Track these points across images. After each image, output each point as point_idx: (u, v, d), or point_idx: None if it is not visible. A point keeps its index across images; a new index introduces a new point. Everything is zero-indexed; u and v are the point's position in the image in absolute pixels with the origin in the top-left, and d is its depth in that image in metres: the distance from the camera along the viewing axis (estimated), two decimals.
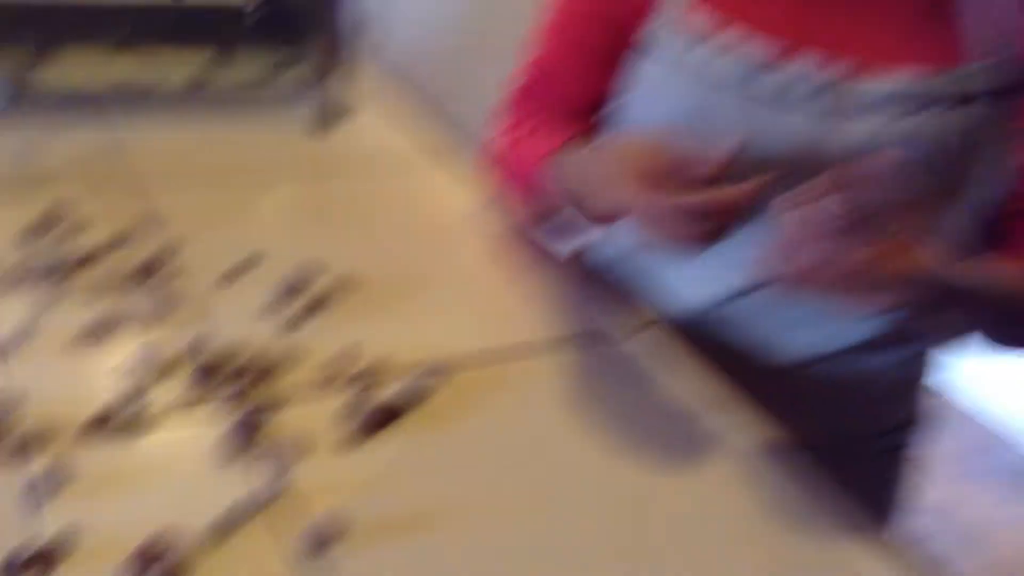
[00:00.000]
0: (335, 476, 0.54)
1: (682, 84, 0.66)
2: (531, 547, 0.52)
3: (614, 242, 0.81)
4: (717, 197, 0.56)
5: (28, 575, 0.45)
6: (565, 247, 0.83)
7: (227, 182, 0.86)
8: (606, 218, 0.66)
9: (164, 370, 0.59)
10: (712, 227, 0.57)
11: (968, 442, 1.82)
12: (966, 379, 1.80)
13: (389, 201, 0.88)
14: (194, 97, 1.00)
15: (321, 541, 0.49)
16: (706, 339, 0.72)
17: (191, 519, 0.49)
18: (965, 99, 0.62)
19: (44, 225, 0.72)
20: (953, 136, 0.63)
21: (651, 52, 0.68)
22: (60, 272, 0.67)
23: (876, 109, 0.62)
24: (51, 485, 0.50)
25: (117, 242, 0.72)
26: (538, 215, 0.76)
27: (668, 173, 0.57)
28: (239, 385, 0.59)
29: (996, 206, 0.67)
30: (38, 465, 0.51)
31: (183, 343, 0.62)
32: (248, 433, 0.55)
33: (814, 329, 0.70)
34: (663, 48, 0.67)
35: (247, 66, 1.01)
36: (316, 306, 0.68)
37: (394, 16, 1.24)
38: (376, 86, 1.10)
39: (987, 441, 1.84)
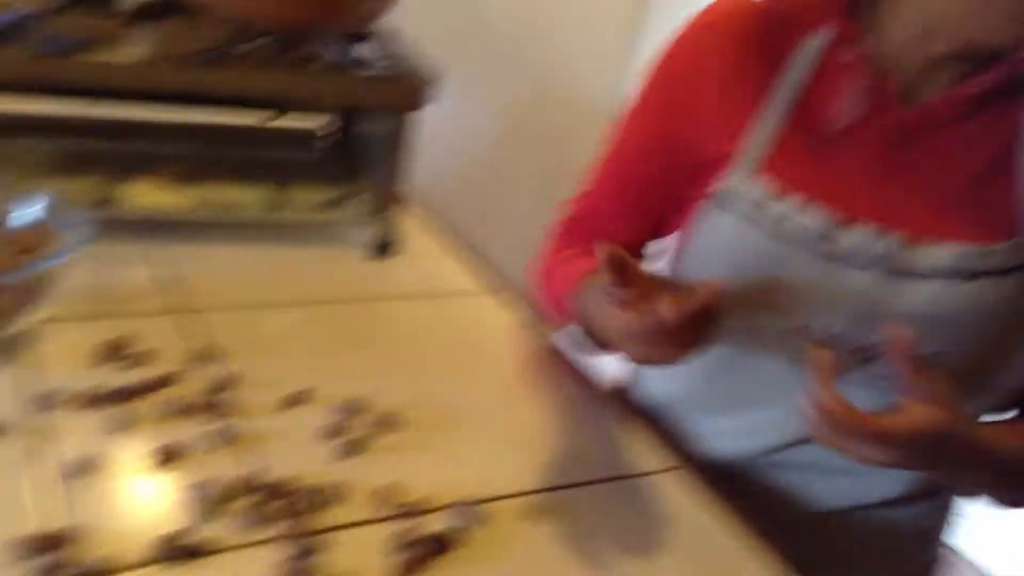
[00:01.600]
0: None
1: (757, 236, 0.69)
2: None
3: (652, 382, 0.84)
4: (680, 311, 0.59)
5: None
6: (604, 380, 0.86)
7: (286, 310, 0.90)
8: (607, 346, 0.70)
9: (222, 500, 0.62)
10: (683, 340, 0.61)
11: None
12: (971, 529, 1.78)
13: (438, 329, 0.91)
14: (258, 225, 1.05)
15: None
16: (739, 483, 0.74)
17: None
18: (1020, 267, 0.64)
19: (112, 351, 0.76)
20: (1007, 302, 0.65)
21: (724, 203, 0.71)
22: (124, 399, 0.71)
23: (934, 276, 0.65)
24: None
25: (179, 371, 0.75)
26: (573, 339, 0.80)
27: (641, 295, 0.62)
28: (292, 517, 0.62)
29: None
30: None
31: (239, 474, 0.65)
32: (302, 566, 0.57)
33: (851, 480, 0.72)
34: (737, 201, 0.70)
35: (310, 195, 1.07)
36: (363, 440, 0.71)
37: (432, 158, 1.30)
38: (425, 219, 1.16)
39: None
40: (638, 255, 0.83)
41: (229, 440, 0.68)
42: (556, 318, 0.82)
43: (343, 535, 0.62)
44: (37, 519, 0.58)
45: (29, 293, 0.73)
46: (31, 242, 0.76)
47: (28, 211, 0.81)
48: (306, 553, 0.59)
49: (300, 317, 0.90)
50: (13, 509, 0.58)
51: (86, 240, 0.76)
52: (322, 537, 0.61)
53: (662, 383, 0.82)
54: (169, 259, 0.96)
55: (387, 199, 1.04)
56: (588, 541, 0.66)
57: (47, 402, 0.69)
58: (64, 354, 0.76)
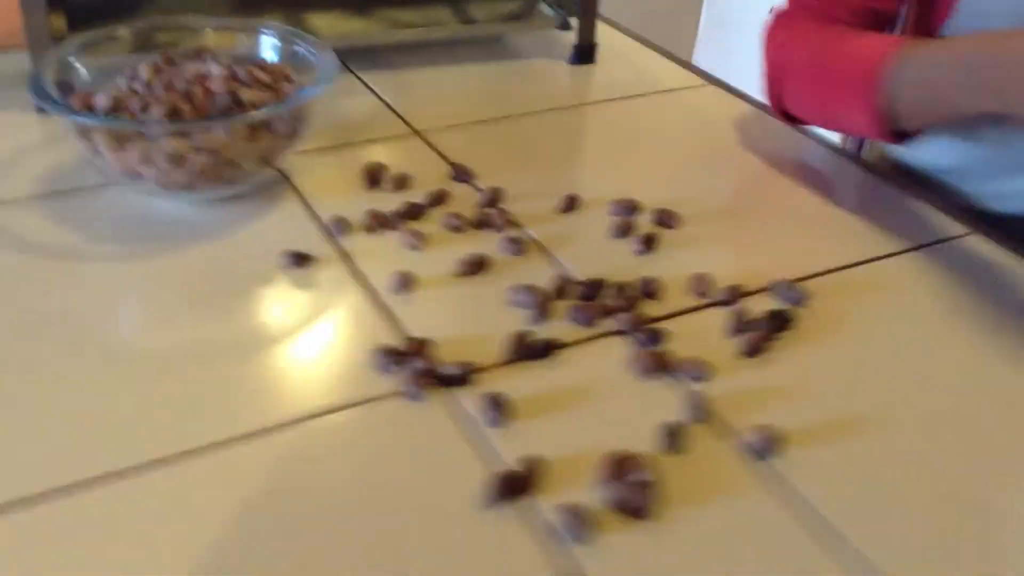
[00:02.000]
0: (747, 388, 0.56)
1: None
2: (952, 450, 0.53)
3: (930, 151, 0.80)
4: None
5: (515, 499, 0.47)
6: (882, 150, 0.83)
7: (515, 121, 0.88)
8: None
9: (548, 301, 0.62)
10: None
11: None
12: None
13: (671, 125, 0.88)
14: (449, 43, 1.02)
15: (765, 447, 0.51)
16: None
17: (631, 436, 0.52)
18: None
19: (372, 176, 0.76)
20: None
21: None
22: (411, 217, 0.71)
23: None
24: (492, 415, 0.52)
25: (445, 190, 0.74)
26: (848, 119, 0.75)
27: None
28: (624, 310, 0.61)
29: None
30: (469, 399, 0.54)
31: (551, 276, 0.64)
32: (653, 353, 0.57)
33: None
34: None
35: (492, 8, 1.03)
36: (654, 236, 0.69)
37: None
38: (617, 24, 1.11)
39: None
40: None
41: (523, 249, 0.68)
42: (823, 107, 0.77)
43: (676, 323, 0.61)
44: (376, 337, 0.58)
45: (295, 124, 0.72)
46: (281, 74, 0.74)
47: (271, 44, 0.79)
48: (654, 339, 0.58)
49: (530, 127, 0.87)
50: (350, 331, 0.59)
51: (334, 71, 0.73)
52: (664, 324, 0.61)
53: (945, 150, 0.78)
54: (385, 86, 0.94)
55: (583, 4, 1.00)
56: (915, 308, 0.64)
57: (342, 227, 0.69)
58: (331, 184, 0.76)
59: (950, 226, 0.74)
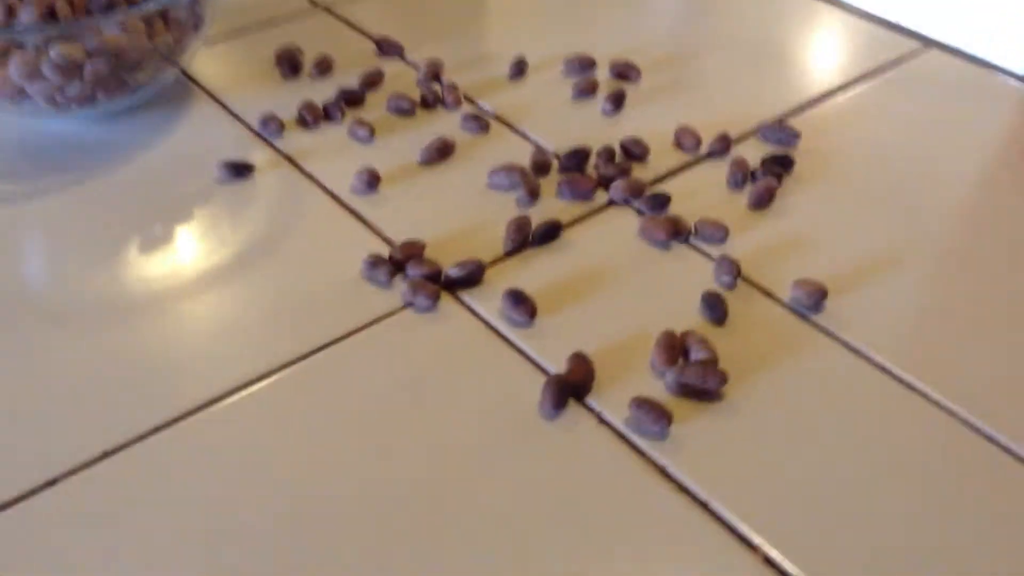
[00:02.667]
0: (767, 242, 0.52)
1: None
2: (982, 270, 0.51)
3: None
4: None
5: (576, 401, 0.43)
6: None
7: None
8: None
9: (536, 177, 0.56)
10: None
11: None
12: None
13: None
14: None
15: (813, 302, 0.47)
16: None
17: (670, 313, 0.47)
18: None
19: (290, 62, 0.66)
20: None
21: None
22: (350, 104, 0.62)
23: None
24: (519, 314, 0.47)
25: (376, 70, 0.66)
26: None
27: None
28: (621, 175, 0.56)
29: None
30: (484, 300, 0.48)
31: (531, 150, 0.58)
32: (666, 220, 0.52)
33: None
34: None
35: None
36: (620, 91, 0.64)
37: None
38: None
39: None
40: None
41: (485, 125, 0.61)
42: None
43: (674, 184, 0.57)
44: (355, 247, 0.51)
45: (195, 10, 0.61)
46: None
47: None
48: (660, 204, 0.54)
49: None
50: (325, 246, 0.52)
51: None
52: (661, 186, 0.56)
53: None
54: None
55: None
56: (900, 132, 0.61)
57: (273, 126, 0.60)
58: (243, 78, 0.65)
59: (904, 42, 0.72)
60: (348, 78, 0.66)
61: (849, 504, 0.38)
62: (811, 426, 0.42)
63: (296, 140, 0.59)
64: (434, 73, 0.65)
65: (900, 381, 0.44)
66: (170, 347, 0.45)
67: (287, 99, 0.63)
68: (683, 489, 0.39)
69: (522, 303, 0.46)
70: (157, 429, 0.40)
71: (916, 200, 0.56)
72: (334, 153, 0.58)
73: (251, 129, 0.60)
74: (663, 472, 0.39)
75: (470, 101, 0.64)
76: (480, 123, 0.60)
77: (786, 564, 0.36)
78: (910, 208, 0.55)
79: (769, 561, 0.36)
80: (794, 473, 0.40)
